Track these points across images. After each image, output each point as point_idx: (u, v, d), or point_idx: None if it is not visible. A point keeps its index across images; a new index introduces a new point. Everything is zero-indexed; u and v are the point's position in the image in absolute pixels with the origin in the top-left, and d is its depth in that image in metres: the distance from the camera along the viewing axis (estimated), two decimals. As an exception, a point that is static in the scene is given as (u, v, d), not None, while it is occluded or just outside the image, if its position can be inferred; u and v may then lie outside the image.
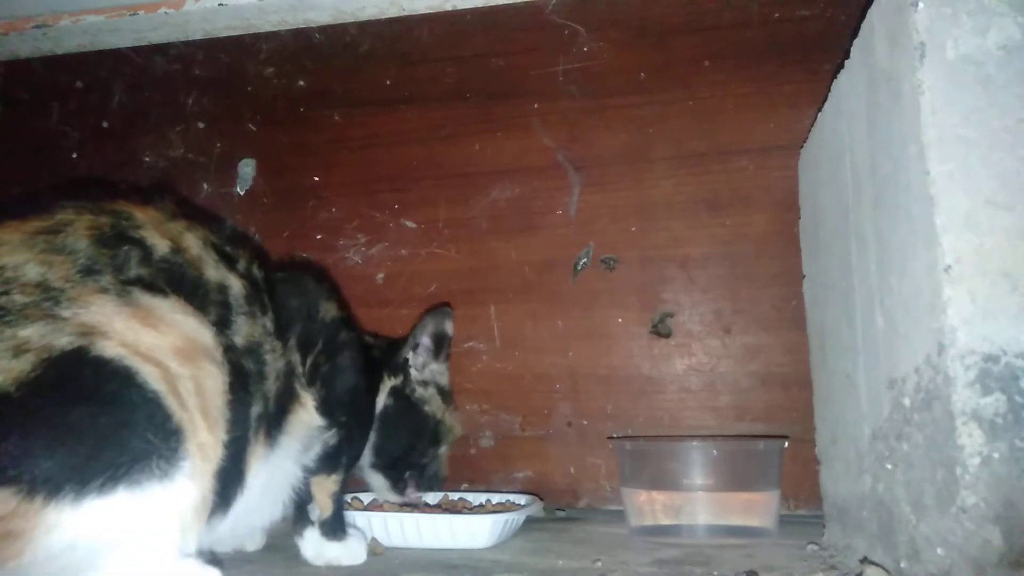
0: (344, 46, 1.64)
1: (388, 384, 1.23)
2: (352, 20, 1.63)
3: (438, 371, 1.27)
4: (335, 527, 1.02)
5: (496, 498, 1.30)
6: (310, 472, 1.00)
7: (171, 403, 0.73)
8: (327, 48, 1.65)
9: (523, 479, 1.45)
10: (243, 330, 0.89)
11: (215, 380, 0.79)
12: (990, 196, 0.70)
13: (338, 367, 1.04)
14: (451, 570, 0.96)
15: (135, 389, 0.71)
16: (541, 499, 1.32)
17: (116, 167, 1.68)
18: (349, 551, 1.01)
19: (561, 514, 1.39)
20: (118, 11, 1.63)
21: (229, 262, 0.93)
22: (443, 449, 1.26)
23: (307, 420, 0.99)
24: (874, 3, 0.87)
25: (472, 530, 1.08)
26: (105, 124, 1.71)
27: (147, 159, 1.67)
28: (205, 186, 1.64)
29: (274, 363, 0.94)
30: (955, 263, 0.70)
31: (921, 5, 0.74)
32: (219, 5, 1.59)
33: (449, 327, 1.27)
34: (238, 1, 1.58)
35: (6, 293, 0.72)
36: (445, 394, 1.27)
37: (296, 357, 1.00)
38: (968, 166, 0.71)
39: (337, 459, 1.02)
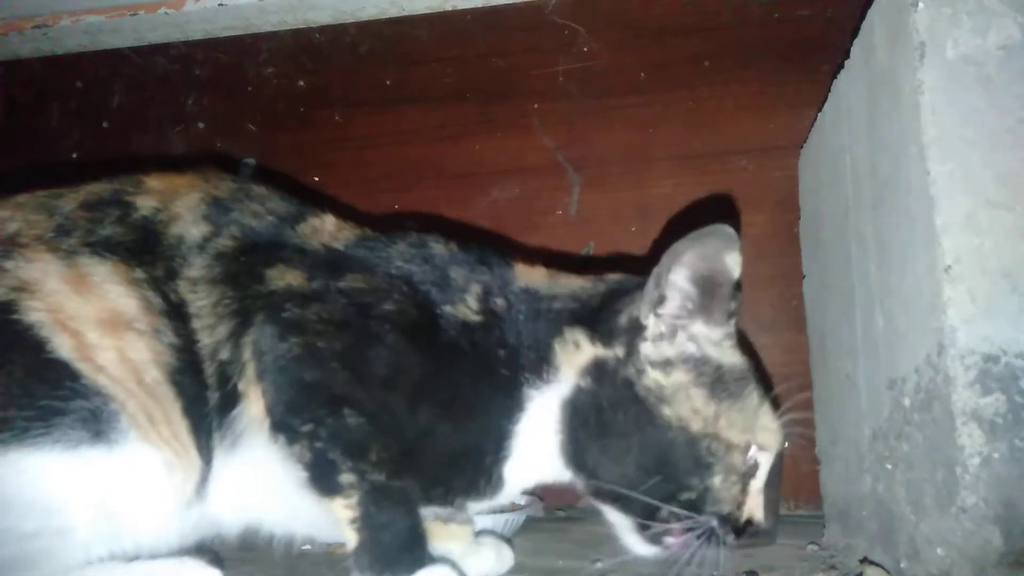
0: (344, 46, 1.64)
1: (586, 352, 0.82)
2: (352, 20, 1.63)
3: (704, 336, 0.80)
4: (364, 563, 0.77)
5: (496, 498, 1.29)
6: (309, 491, 0.80)
7: (83, 368, 0.74)
8: (327, 48, 1.65)
9: (523, 479, 1.45)
10: (185, 287, 0.84)
11: (140, 352, 0.79)
12: (990, 196, 0.70)
13: (287, 356, 0.80)
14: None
15: (42, 355, 0.73)
16: (541, 499, 1.32)
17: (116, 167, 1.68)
18: None
19: (561, 514, 1.39)
20: (118, 11, 1.63)
21: (219, 215, 0.87)
22: (717, 479, 0.77)
23: (259, 417, 0.82)
24: (874, 3, 0.87)
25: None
26: (105, 124, 1.70)
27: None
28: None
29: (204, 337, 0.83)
30: (955, 263, 0.70)
31: (921, 5, 0.74)
32: (219, 5, 1.59)
33: (732, 263, 0.79)
34: (238, 1, 1.58)
35: None
36: (721, 380, 0.79)
37: (222, 332, 0.84)
38: (968, 166, 0.71)
39: (327, 475, 0.78)
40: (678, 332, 0.80)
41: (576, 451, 0.81)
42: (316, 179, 1.61)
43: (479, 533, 0.96)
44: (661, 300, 0.80)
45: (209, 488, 0.83)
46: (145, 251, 0.84)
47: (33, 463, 0.71)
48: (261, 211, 0.91)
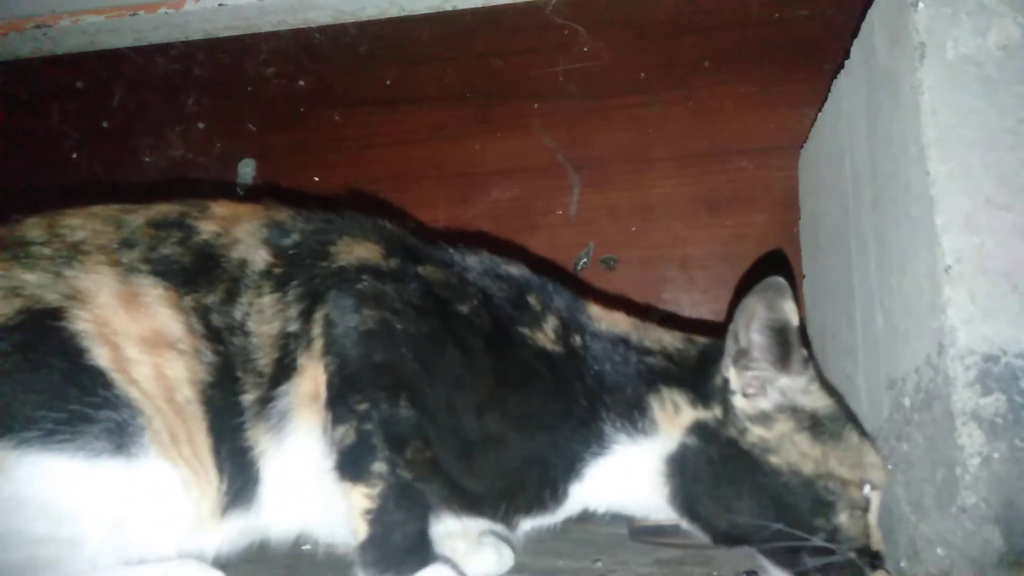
0: (344, 46, 1.64)
1: (687, 415, 0.84)
2: (352, 20, 1.63)
3: (791, 387, 0.83)
4: (369, 558, 0.77)
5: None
6: (333, 472, 0.79)
7: (116, 378, 0.76)
8: (327, 48, 1.65)
9: (523, 479, 1.45)
10: (243, 307, 0.83)
11: (177, 371, 0.79)
12: (990, 196, 0.71)
13: (360, 329, 0.79)
14: (451, 570, 0.96)
15: (80, 361, 0.75)
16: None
17: (116, 167, 1.68)
18: None
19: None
20: (118, 11, 1.63)
21: (281, 239, 0.87)
22: (844, 516, 0.78)
23: (312, 394, 0.81)
24: (874, 3, 0.87)
25: (472, 530, 1.07)
26: (105, 124, 1.70)
27: (147, 159, 1.67)
28: (205, 186, 1.64)
29: (263, 330, 0.82)
30: (955, 263, 0.70)
31: (921, 5, 0.74)
32: (219, 5, 1.59)
33: (789, 310, 0.81)
34: (238, 1, 1.58)
35: (45, 244, 0.80)
36: (819, 423, 0.81)
37: (292, 313, 0.82)
38: (968, 166, 0.71)
39: (361, 460, 0.77)
40: (767, 387, 0.83)
41: (690, 503, 0.84)
42: (316, 179, 1.61)
43: (481, 532, 0.96)
44: (742, 354, 0.83)
45: (259, 494, 0.81)
46: (200, 274, 0.84)
47: (53, 468, 0.72)
48: (319, 223, 0.91)
